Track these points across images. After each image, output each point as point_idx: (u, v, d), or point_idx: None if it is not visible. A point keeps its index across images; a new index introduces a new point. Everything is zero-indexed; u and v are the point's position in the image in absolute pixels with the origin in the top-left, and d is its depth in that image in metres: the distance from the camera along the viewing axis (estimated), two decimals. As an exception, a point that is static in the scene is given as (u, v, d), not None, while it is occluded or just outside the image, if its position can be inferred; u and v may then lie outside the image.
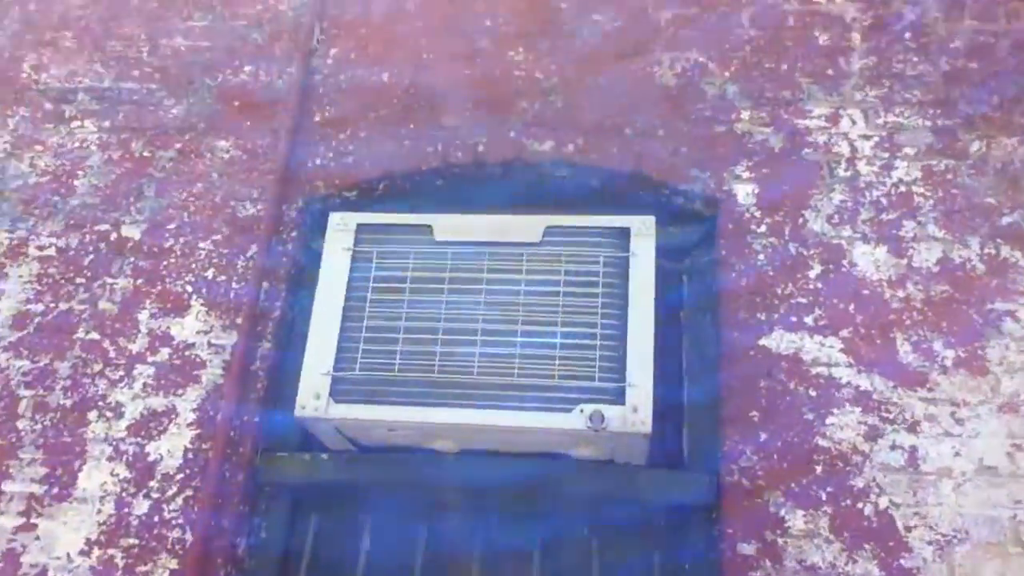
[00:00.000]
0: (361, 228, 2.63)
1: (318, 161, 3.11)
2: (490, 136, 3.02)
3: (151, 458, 2.70)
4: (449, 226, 2.58)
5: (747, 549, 2.32)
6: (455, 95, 3.12)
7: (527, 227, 2.54)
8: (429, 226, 2.59)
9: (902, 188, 2.69)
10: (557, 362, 2.38)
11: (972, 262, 2.55)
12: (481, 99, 3.10)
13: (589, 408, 2.30)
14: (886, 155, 2.74)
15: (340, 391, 2.44)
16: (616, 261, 2.46)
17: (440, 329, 2.46)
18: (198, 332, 2.88)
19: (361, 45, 3.30)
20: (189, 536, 2.55)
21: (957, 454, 2.34)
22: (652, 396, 2.29)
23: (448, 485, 2.59)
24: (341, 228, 2.63)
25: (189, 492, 2.63)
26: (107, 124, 3.32)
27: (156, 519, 2.59)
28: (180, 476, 2.66)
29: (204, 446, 2.70)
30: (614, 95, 3.00)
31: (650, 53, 3.05)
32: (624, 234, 2.48)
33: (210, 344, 2.86)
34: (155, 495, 2.64)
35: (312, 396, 2.44)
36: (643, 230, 2.47)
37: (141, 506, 2.62)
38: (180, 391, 2.79)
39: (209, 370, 2.81)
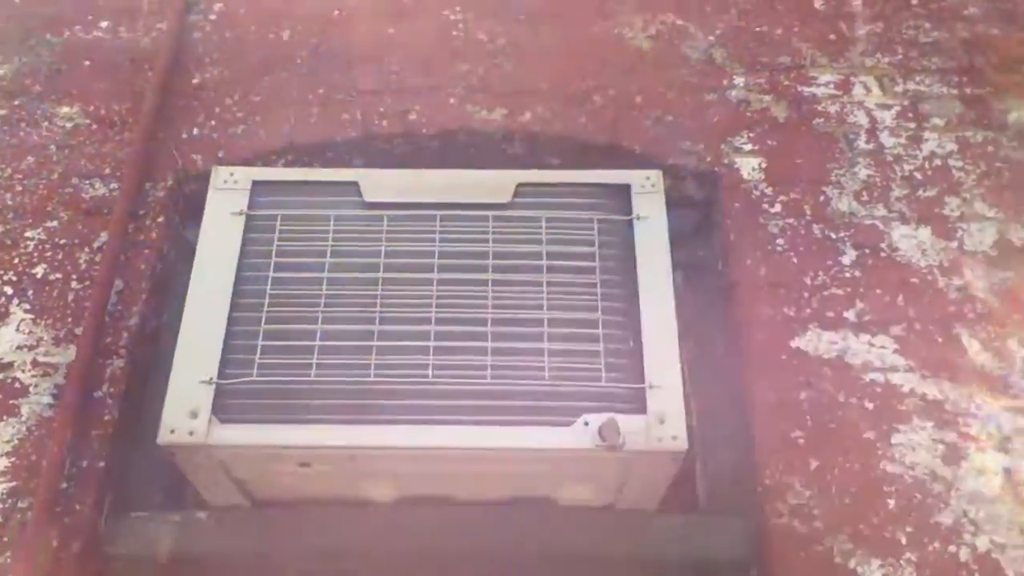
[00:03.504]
0: (258, 187, 1.91)
1: (196, 131, 2.39)
2: (424, 103, 2.39)
3: (-61, 522, 1.82)
4: (382, 184, 1.91)
5: (814, 616, 1.67)
6: (376, 56, 2.49)
7: (492, 184, 1.90)
8: (355, 183, 1.90)
9: (936, 162, 2.23)
10: (547, 359, 1.70)
11: (1036, 243, 2.09)
12: (409, 61, 2.48)
13: (597, 419, 1.62)
14: (912, 126, 2.29)
15: (229, 407, 1.67)
16: (616, 226, 1.84)
17: (376, 318, 1.75)
18: (18, 347, 2.07)
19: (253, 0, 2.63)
20: (-13, 643, 1.68)
21: (1066, 473, 1.80)
22: (684, 400, 1.63)
23: (385, 549, 1.81)
24: (229, 186, 1.90)
25: (-9, 573, 1.76)
26: (-96, 84, 2.49)
27: (-62, 616, 1.71)
28: (-18, 548, 1.79)
29: (20, 504, 1.85)
30: (576, 59, 2.45)
31: (618, 14, 2.53)
32: (623, 192, 1.87)
33: (36, 363, 2.04)
34: (-58, 577, 1.76)
35: (185, 414, 1.66)
36: (648, 187, 1.87)
37: (-85, 600, 1.74)
38: (-12, 428, 1.93)
39: (33, 398, 1.99)
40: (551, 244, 1.81)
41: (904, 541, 1.76)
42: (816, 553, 1.75)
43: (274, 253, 1.82)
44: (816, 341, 1.98)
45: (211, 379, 1.68)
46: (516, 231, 1.83)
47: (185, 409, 1.65)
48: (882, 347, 1.97)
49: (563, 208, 1.85)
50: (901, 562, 1.74)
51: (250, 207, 1.86)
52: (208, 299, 1.76)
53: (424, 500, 1.86)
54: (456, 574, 1.89)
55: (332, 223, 1.84)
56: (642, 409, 1.64)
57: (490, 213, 1.84)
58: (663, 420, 1.63)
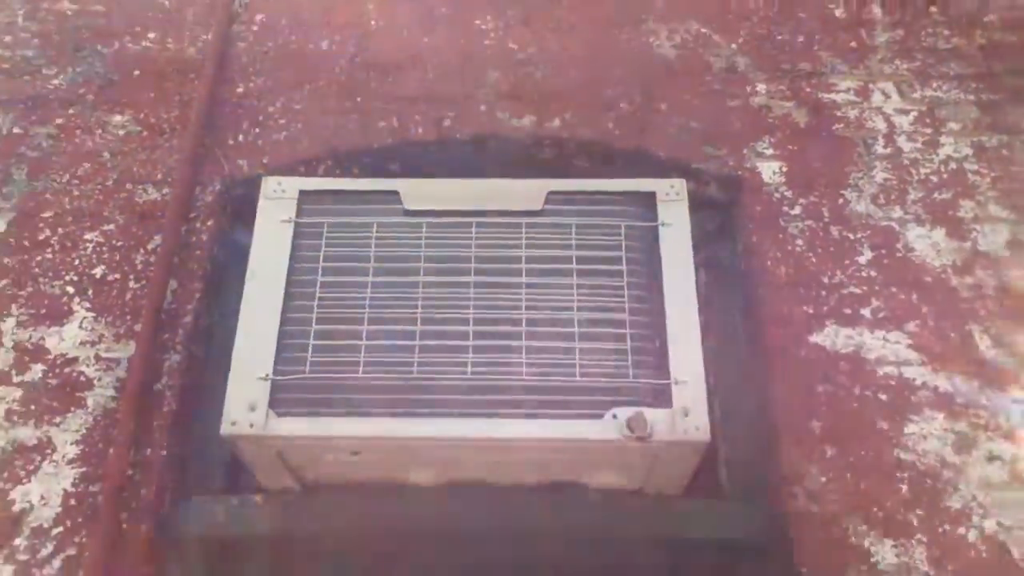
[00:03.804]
0: (305, 195, 2.04)
1: (240, 138, 2.52)
2: (456, 110, 2.50)
3: (17, 507, 1.98)
4: (421, 192, 2.02)
5: (828, 593, 1.78)
6: (412, 65, 2.60)
7: (524, 193, 2.01)
8: (395, 192, 2.02)
9: (952, 166, 2.32)
10: (578, 356, 1.82)
11: (1046, 244, 2.18)
12: (443, 69, 2.59)
13: (625, 412, 1.74)
14: (929, 131, 2.38)
15: (284, 401, 1.81)
16: (642, 232, 1.95)
17: (418, 319, 1.87)
18: (82, 343, 2.21)
19: (293, 10, 2.77)
20: (71, 611, 1.83)
21: (1069, 461, 1.90)
22: (707, 395, 1.75)
23: (428, 529, 1.95)
24: (278, 195, 2.03)
25: (72, 551, 1.92)
26: (-35, 96, 2.63)
27: (24, 588, 1.86)
28: (58, 530, 1.95)
29: (92, 488, 2.00)
30: (603, 67, 2.55)
31: (642, 23, 2.63)
32: (648, 200, 1.98)
33: (99, 358, 2.19)
34: (22, 556, 1.93)
35: (245, 408, 1.79)
36: (672, 195, 1.98)
37: (1, 572, 1.90)
38: (58, 419, 2.10)
39: (97, 391, 2.14)
40: (581, 249, 1.93)
41: (915, 523, 1.87)
42: (832, 534, 1.86)
43: (322, 258, 1.94)
44: (833, 337, 2.09)
45: (267, 376, 1.81)
46: (548, 237, 1.94)
47: (245, 403, 1.78)
48: (896, 342, 2.08)
49: (592, 215, 1.96)
50: (912, 542, 1.85)
51: (298, 215, 1.99)
52: (262, 302, 1.89)
53: (463, 484, 1.98)
54: (493, 553, 2.01)
55: (375, 230, 1.96)
56: (667, 403, 1.76)
57: (523, 220, 1.95)
58: (687, 413, 1.74)
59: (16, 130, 2.57)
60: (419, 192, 2.01)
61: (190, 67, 2.66)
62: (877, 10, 2.63)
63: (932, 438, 1.96)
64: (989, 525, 1.86)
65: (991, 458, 1.93)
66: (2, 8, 2.83)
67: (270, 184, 2.03)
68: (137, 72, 2.68)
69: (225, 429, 1.77)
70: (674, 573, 1.96)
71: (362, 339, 1.85)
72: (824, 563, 1.82)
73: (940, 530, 1.86)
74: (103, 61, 2.71)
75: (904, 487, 1.91)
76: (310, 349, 1.85)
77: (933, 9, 2.61)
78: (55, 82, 2.67)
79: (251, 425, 1.77)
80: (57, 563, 1.92)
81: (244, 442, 1.80)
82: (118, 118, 2.59)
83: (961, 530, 1.86)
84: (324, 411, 1.80)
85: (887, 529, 1.86)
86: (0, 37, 2.77)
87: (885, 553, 1.84)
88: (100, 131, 2.57)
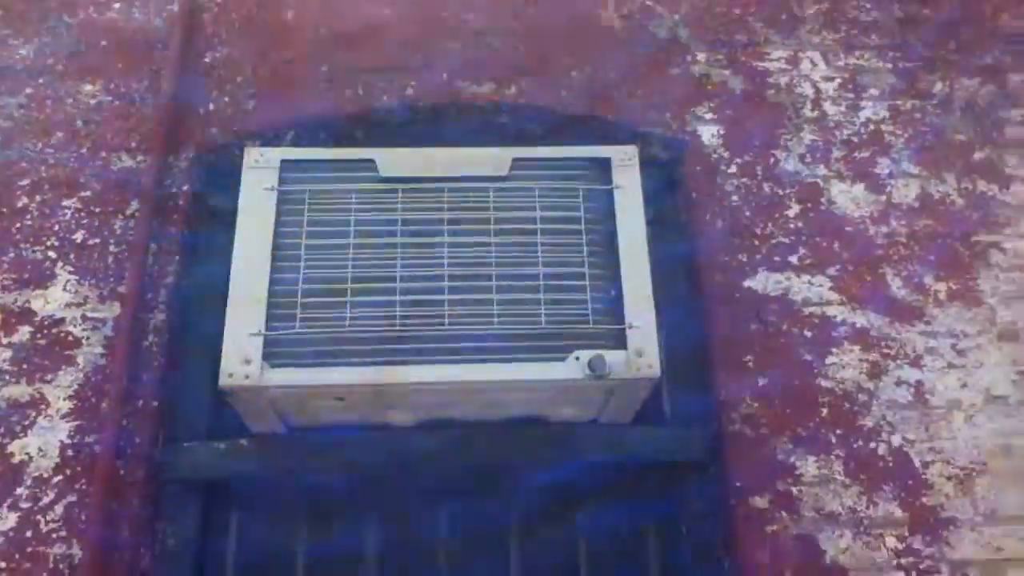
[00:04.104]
0: (286, 164, 2.18)
1: (211, 107, 2.63)
2: (419, 79, 2.66)
3: (16, 459, 2.13)
4: (396, 161, 2.19)
5: (760, 502, 2.09)
6: (374, 35, 2.74)
7: (491, 160, 2.19)
8: (371, 160, 2.18)
9: (871, 127, 2.58)
10: (543, 306, 2.03)
11: (951, 196, 2.46)
12: (404, 41, 2.74)
13: (586, 354, 1.96)
14: (851, 96, 2.64)
15: (277, 354, 1.98)
16: (598, 194, 2.15)
17: (398, 276, 2.06)
18: (67, 305, 2.34)
19: (258, -20, 2.85)
20: (77, 551, 1.99)
21: (964, 385, 2.22)
22: (657, 337, 1.99)
23: (407, 463, 2.16)
24: (261, 164, 2.17)
25: (72, 497, 2.08)
26: (-67, 66, 2.68)
27: (30, 534, 2.02)
28: (58, 479, 2.10)
29: (88, 439, 2.15)
30: (556, 37, 2.73)
31: (590, -5, 2.81)
32: (604, 165, 2.19)
33: (85, 318, 2.32)
34: (25, 504, 2.08)
35: (240, 361, 1.95)
36: (626, 160, 2.19)
37: (6, 520, 2.05)
38: (49, 376, 2.23)
39: (86, 348, 2.28)
40: (544, 210, 2.12)
41: (834, 441, 2.15)
42: (763, 453, 2.14)
43: (305, 223, 2.10)
44: (765, 281, 2.35)
45: (260, 331, 1.98)
46: (514, 200, 2.13)
47: (240, 357, 1.95)
48: (820, 286, 2.34)
49: (553, 179, 2.16)
50: (831, 457, 2.14)
51: (281, 183, 2.14)
52: (251, 264, 2.04)
53: (435, 423, 2.19)
54: (465, 484, 2.23)
55: (354, 197, 2.13)
56: (623, 345, 1.98)
57: (490, 185, 2.14)
58: (641, 353, 1.98)
59: (-14, 101, 2.64)
60: (394, 160, 2.17)
61: (157, 37, 2.75)
62: (806, -18, 2.85)
63: (849, 367, 2.23)
64: (895, 440, 2.15)
65: (899, 383, 2.22)
66: (-38, -22, 2.86)
67: (252, 154, 2.17)
68: (104, 42, 2.75)
69: (223, 381, 1.94)
70: (628, 492, 2.22)
71: (347, 296, 2.03)
72: (756, 477, 2.09)
73: (855, 445, 2.14)
74: (69, 31, 2.77)
75: (825, 410, 2.18)
76: (299, 307, 2.02)
77: (856, -17, 2.84)
78: (22, 52, 2.73)
79: (246, 377, 1.94)
80: (60, 509, 2.07)
81: (241, 393, 1.97)
82: (88, 87, 2.67)
83: (872, 445, 2.15)
84: (314, 362, 1.97)
85: (810, 447, 2.14)
86: (-37, 7, 2.81)
87: (808, 467, 2.12)
88: (71, 100, 2.65)
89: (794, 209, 2.44)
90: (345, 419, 2.15)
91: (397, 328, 2.01)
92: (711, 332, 2.27)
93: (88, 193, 2.49)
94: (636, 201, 2.14)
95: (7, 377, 2.22)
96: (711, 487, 2.14)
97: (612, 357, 1.97)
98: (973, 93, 2.62)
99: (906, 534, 2.06)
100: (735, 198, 2.46)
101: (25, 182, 2.50)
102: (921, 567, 2.03)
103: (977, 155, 2.53)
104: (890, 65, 2.69)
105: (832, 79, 2.67)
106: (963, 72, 2.66)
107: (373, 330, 2.01)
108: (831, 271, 2.35)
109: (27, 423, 2.17)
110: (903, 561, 2.03)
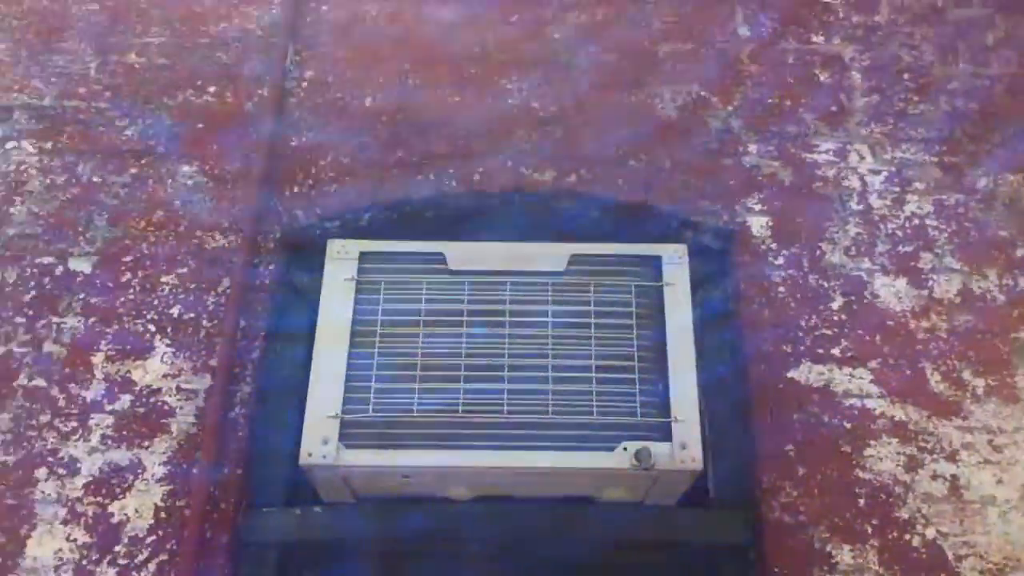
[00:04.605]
0: (365, 256, 2.41)
1: (296, 189, 2.86)
2: (486, 166, 2.85)
3: (115, 519, 2.35)
4: (463, 254, 2.39)
5: (796, 588, 2.19)
6: (446, 123, 2.95)
7: (550, 255, 2.38)
8: (441, 254, 2.39)
9: (916, 221, 2.69)
10: (594, 398, 2.20)
11: (992, 293, 2.56)
12: (474, 128, 2.94)
13: (633, 445, 2.13)
14: (897, 189, 2.75)
15: (351, 435, 2.19)
16: (649, 291, 2.33)
17: (462, 365, 2.26)
18: (164, 376, 2.56)
19: (339, 69, 3.09)
20: (167, 606, 2.21)
21: (999, 481, 2.32)
22: (701, 432, 2.14)
23: (464, 537, 2.35)
24: (342, 256, 2.40)
25: (164, 556, 2.30)
26: (49, 146, 2.96)
27: (126, 589, 2.24)
28: (151, 539, 2.32)
29: (179, 503, 2.37)
30: (615, 126, 2.91)
31: (649, 85, 2.97)
32: (655, 262, 2.36)
33: (179, 389, 2.54)
34: (122, 561, 2.30)
35: (319, 442, 2.17)
36: (675, 259, 2.36)
37: (106, 574, 2.27)
38: (146, 443, 2.46)
39: (180, 418, 2.50)
40: (597, 305, 2.31)
41: (869, 531, 2.27)
42: (800, 541, 2.26)
43: (380, 312, 2.31)
44: (807, 372, 2.47)
45: (337, 414, 2.19)
46: (570, 294, 2.32)
47: (318, 437, 2.17)
48: (860, 378, 2.46)
49: (607, 275, 2.34)
50: (867, 547, 2.25)
51: (359, 274, 2.36)
52: (331, 350, 2.26)
53: (493, 498, 2.37)
54: (518, 555, 2.40)
55: (424, 288, 2.34)
56: (668, 438, 2.15)
57: (549, 280, 2.33)
58: (684, 446, 2.14)
59: (95, 179, 2.91)
60: (462, 253, 2.38)
61: (248, 120, 2.99)
62: (857, 75, 2.97)
63: (887, 460, 2.35)
64: (930, 533, 2.26)
65: (934, 477, 2.32)
66: (75, 60, 3.15)
67: (335, 246, 2.40)
68: (200, 125, 3.01)
69: (303, 460, 2.16)
70: (669, 572, 2.37)
71: (416, 382, 2.23)
72: (793, 564, 2.22)
73: (890, 536, 2.26)
74: (171, 114, 3.03)
75: (862, 501, 2.30)
76: (372, 391, 2.23)
77: (905, 76, 2.95)
78: (127, 133, 3.00)
79: (324, 456, 2.16)
80: (152, 567, 2.28)
81: (318, 470, 2.18)
82: (186, 168, 2.92)
83: (907, 536, 2.26)
84: (385, 443, 2.18)
85: (846, 536, 2.26)
86: (75, 89, 3.09)
87: (844, 556, 2.24)
88: (171, 180, 2.90)
89: (838, 301, 2.56)
90: (410, 492, 2.34)
91: (460, 415, 2.20)
92: (755, 421, 2.40)
93: (184, 270, 2.72)
94: (685, 298, 2.31)
95: (109, 442, 2.45)
96: (750, 571, 2.27)
97: (657, 449, 2.13)
98: (1016, 189, 2.71)
99: (939, 626, 2.16)
100: (782, 289, 2.59)
101: (128, 258, 2.75)
102: (951, 658, 2.13)
103: (1019, 251, 2.62)
104: (936, 159, 2.79)
105: (879, 172, 2.78)
106: (1006, 167, 2.75)
107: (439, 415, 2.20)
108: (872, 364, 2.47)
109: (126, 485, 2.40)
110: (934, 651, 2.13)
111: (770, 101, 2.93)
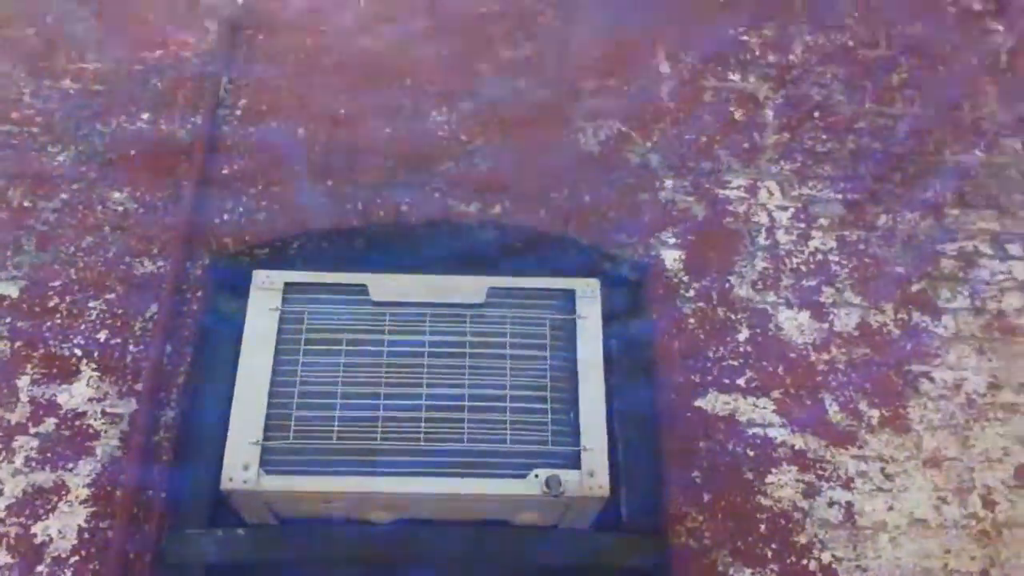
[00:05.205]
0: (289, 287, 2.48)
1: (226, 216, 2.92)
2: (413, 196, 2.94)
3: (38, 540, 2.37)
4: (385, 286, 2.48)
5: (700, 611, 2.30)
6: (375, 153, 3.03)
7: (469, 288, 2.48)
8: (364, 286, 2.47)
9: (819, 256, 2.83)
10: (508, 427, 2.30)
11: (888, 326, 2.71)
12: (402, 157, 3.02)
13: (544, 473, 2.23)
14: (803, 225, 2.89)
15: (272, 461, 2.25)
16: (562, 323, 2.43)
17: (382, 394, 2.34)
18: (89, 399, 2.59)
19: (273, 98, 3.15)
20: (88, 629, 2.25)
21: (891, 508, 2.45)
22: (607, 460, 2.25)
23: (383, 559, 2.42)
24: (267, 286, 2.47)
25: (86, 577, 2.32)
26: (-21, 169, 2.98)
27: (47, 611, 2.27)
28: (75, 559, 2.35)
29: (102, 524, 2.40)
30: (539, 160, 3.01)
31: (573, 121, 3.09)
32: (569, 296, 2.47)
33: (104, 412, 2.58)
34: (44, 582, 2.31)
35: (240, 467, 2.23)
36: (588, 292, 2.47)
37: (28, 599, 2.29)
38: (70, 465, 2.49)
39: (104, 441, 2.53)
40: (513, 336, 2.40)
41: (770, 555, 2.39)
42: (705, 564, 2.37)
43: (303, 341, 2.38)
44: (714, 402, 2.60)
45: (258, 440, 2.26)
46: (487, 326, 2.42)
47: (239, 463, 2.23)
48: (763, 408, 2.59)
49: (523, 308, 2.44)
50: (767, 571, 2.37)
51: (284, 303, 2.42)
52: (253, 378, 2.32)
53: (413, 521, 2.44)
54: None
55: (347, 319, 2.41)
56: (577, 465, 2.25)
57: (467, 312, 2.43)
58: (592, 474, 2.24)
59: (25, 204, 2.94)
60: (384, 285, 2.46)
61: (180, 148, 3.04)
62: (769, 113, 3.12)
63: (787, 487, 2.48)
64: (825, 557, 2.39)
65: (831, 503, 2.46)
66: (9, 86, 3.17)
67: (260, 276, 2.46)
68: (132, 151, 3.05)
69: (224, 485, 2.22)
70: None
71: (336, 410, 2.30)
72: (698, 587, 2.34)
73: (788, 561, 2.38)
74: (102, 140, 3.07)
75: (763, 526, 2.43)
76: (293, 419, 2.30)
77: (816, 115, 3.11)
78: (59, 159, 3.03)
79: (245, 482, 2.22)
80: (75, 588, 2.34)
81: (238, 495, 2.24)
82: (117, 195, 2.95)
83: (804, 561, 2.39)
84: (305, 470, 2.24)
85: (748, 559, 2.38)
86: (8, 114, 3.11)
87: (744, 579, 2.36)
88: (100, 207, 2.93)
89: (744, 333, 2.69)
90: (331, 514, 2.41)
91: (378, 442, 2.28)
92: (663, 447, 2.52)
93: (112, 296, 2.76)
94: (596, 331, 2.42)
95: (33, 464, 2.48)
96: (657, 595, 2.38)
97: (567, 476, 2.23)
98: (914, 227, 2.88)
99: (830, 649, 2.29)
100: (692, 321, 2.71)
101: (57, 283, 2.78)
102: None
103: (915, 287, 2.78)
104: (840, 196, 2.95)
105: (786, 208, 2.92)
106: (906, 206, 2.92)
107: (358, 442, 2.28)
108: (775, 394, 2.60)
109: (49, 507, 2.42)
110: (823, 674, 2.26)
111: (688, 137, 3.05)
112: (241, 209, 2.93)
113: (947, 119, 3.13)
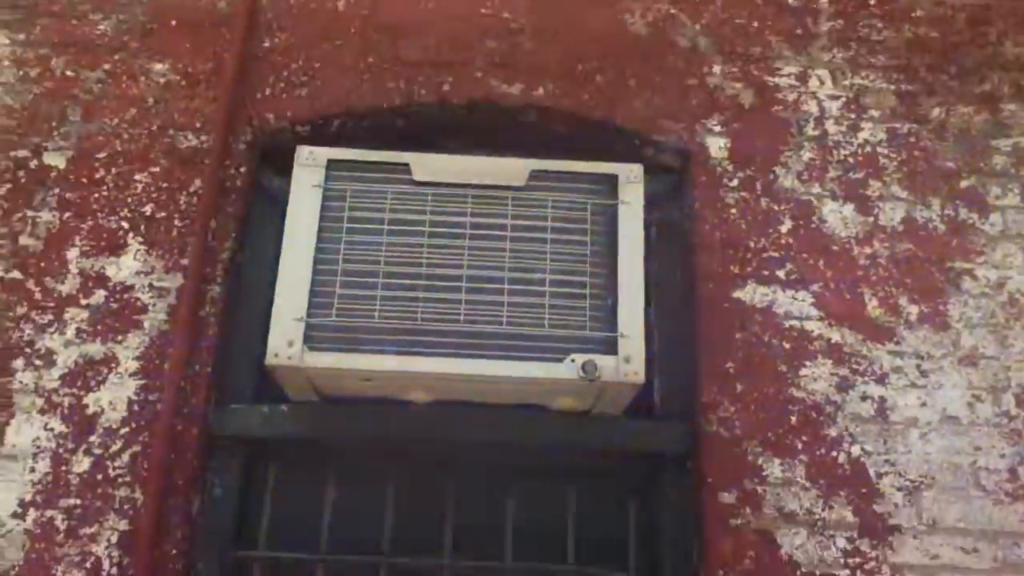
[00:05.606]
0: (332, 164, 2.46)
1: (268, 92, 2.89)
2: (455, 76, 2.89)
3: (90, 411, 2.47)
4: (428, 166, 2.46)
5: (727, 497, 2.37)
6: (417, 30, 2.97)
7: (511, 170, 2.45)
8: (407, 164, 2.46)
9: (868, 149, 2.77)
10: (547, 311, 2.32)
11: (933, 222, 2.67)
12: (444, 36, 2.96)
13: (581, 358, 2.26)
14: (853, 116, 2.81)
15: (315, 338, 2.30)
16: (604, 209, 2.42)
17: (423, 275, 2.36)
18: (137, 273, 2.64)
19: (313, -30, 3.07)
20: (139, 495, 2.36)
21: (923, 404, 2.47)
22: (644, 347, 2.27)
23: (421, 438, 2.50)
24: (310, 163, 2.46)
25: (136, 448, 2.42)
26: (22, 37, 2.96)
27: (100, 477, 2.38)
28: (125, 431, 2.45)
29: (151, 397, 2.49)
30: (585, 42, 2.93)
31: (621, 1, 2.99)
32: (612, 181, 2.44)
33: (152, 286, 2.63)
34: (97, 451, 2.42)
35: (285, 344, 2.28)
36: (631, 178, 2.44)
37: (81, 463, 2.40)
38: (120, 337, 2.56)
39: (151, 315, 2.59)
40: (554, 220, 2.40)
41: (799, 447, 2.44)
42: (734, 454, 2.43)
43: (345, 220, 2.40)
44: (752, 293, 2.60)
45: (302, 317, 2.30)
46: (529, 208, 2.41)
47: (284, 339, 2.28)
48: (802, 300, 2.59)
49: (565, 192, 2.42)
50: (795, 462, 2.42)
51: (326, 181, 2.43)
52: (297, 254, 2.35)
53: (451, 402, 2.51)
54: (472, 458, 2.57)
55: (389, 197, 2.42)
56: (614, 351, 2.28)
57: (509, 194, 2.41)
58: (629, 360, 2.27)
59: (69, 73, 2.93)
60: (427, 165, 2.45)
61: (221, 20, 2.99)
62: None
63: (820, 380, 2.50)
64: (855, 450, 2.43)
65: (864, 398, 2.48)
66: (45, -49, 3.11)
67: (303, 153, 2.46)
68: (174, 22, 3.00)
69: (268, 360, 2.27)
70: (611, 476, 2.55)
71: (378, 289, 2.34)
72: (725, 474, 2.40)
73: (818, 452, 2.43)
74: (143, 8, 3.02)
75: (794, 418, 2.46)
76: (336, 296, 2.34)
77: (872, 1, 2.97)
78: (101, 27, 3.00)
79: (289, 357, 2.27)
80: (126, 457, 2.41)
81: (282, 370, 2.30)
82: (159, 66, 2.94)
83: (834, 454, 2.43)
84: (347, 347, 2.30)
85: (777, 450, 2.43)
86: (47, -17, 3.07)
87: (773, 469, 2.41)
88: (143, 78, 2.92)
89: (787, 225, 2.66)
90: (371, 394, 2.48)
91: (419, 322, 2.32)
92: (699, 336, 2.54)
93: (157, 169, 2.78)
94: (638, 217, 2.40)
95: (84, 336, 2.56)
96: (686, 480, 2.44)
97: (603, 362, 2.26)
98: (967, 121, 2.79)
99: (855, 536, 2.34)
100: (734, 211, 2.68)
101: (102, 155, 2.80)
102: (866, 567, 2.30)
103: (963, 183, 2.72)
104: (893, 87, 2.85)
105: (837, 98, 2.84)
106: (961, 99, 2.82)
107: (399, 322, 2.32)
108: (814, 287, 2.59)
109: (101, 379, 2.51)
110: (850, 561, 2.31)
111: (738, 21, 2.95)
112: (282, 84, 2.90)
113: (1008, 9, 2.98)
